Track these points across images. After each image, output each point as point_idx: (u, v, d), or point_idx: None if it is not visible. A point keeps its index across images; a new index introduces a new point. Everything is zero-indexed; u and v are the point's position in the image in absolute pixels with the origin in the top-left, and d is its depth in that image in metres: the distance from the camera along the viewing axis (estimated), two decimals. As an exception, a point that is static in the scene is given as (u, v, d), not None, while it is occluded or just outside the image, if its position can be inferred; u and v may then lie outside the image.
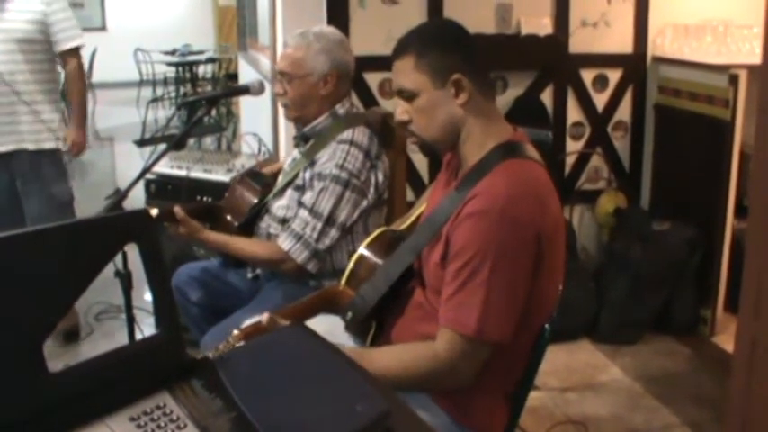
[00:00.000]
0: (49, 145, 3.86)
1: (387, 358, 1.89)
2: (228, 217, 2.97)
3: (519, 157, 1.91)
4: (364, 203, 2.69)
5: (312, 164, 2.71)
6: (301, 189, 2.73)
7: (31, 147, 3.82)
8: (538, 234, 1.81)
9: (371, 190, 2.70)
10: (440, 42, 1.93)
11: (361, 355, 1.88)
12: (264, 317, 1.91)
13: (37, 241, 1.16)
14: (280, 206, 2.80)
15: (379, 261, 2.14)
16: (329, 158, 2.66)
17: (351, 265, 2.19)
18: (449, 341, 1.83)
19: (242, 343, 1.79)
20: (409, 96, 1.94)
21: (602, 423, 3.43)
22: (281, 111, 3.65)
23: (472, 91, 1.91)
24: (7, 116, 3.74)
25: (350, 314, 2.06)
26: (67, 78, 3.99)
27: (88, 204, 4.90)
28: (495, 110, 2.01)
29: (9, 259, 1.13)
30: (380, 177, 2.73)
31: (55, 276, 1.17)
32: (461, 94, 1.91)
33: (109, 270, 2.42)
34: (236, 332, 1.85)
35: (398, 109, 1.99)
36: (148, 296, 1.25)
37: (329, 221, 2.63)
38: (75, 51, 3.91)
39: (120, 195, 2.51)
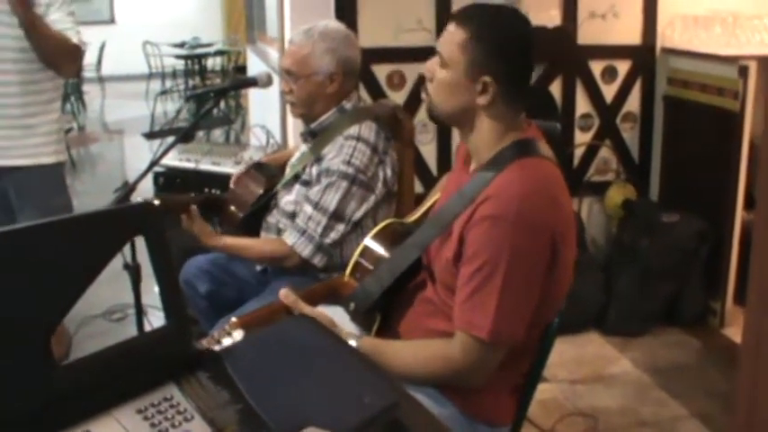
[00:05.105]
0: (45, 160, 3.49)
1: (404, 352, 1.90)
2: (233, 208, 2.96)
3: (532, 155, 1.89)
4: (372, 198, 2.67)
5: (319, 159, 2.70)
6: (308, 185, 2.72)
7: (26, 162, 3.43)
8: (552, 235, 1.81)
9: (379, 185, 2.69)
10: (494, 41, 1.86)
11: (377, 347, 1.89)
12: (283, 292, 1.92)
13: (44, 234, 1.17)
14: (288, 201, 2.79)
15: (385, 253, 2.13)
16: (336, 154, 2.64)
17: (356, 256, 2.18)
18: (464, 344, 1.83)
19: (239, 331, 1.79)
20: (442, 63, 1.91)
21: (611, 415, 3.42)
22: (288, 103, 3.65)
23: (497, 98, 1.87)
24: None
25: (352, 305, 2.05)
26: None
27: (97, 197, 4.91)
28: (516, 119, 1.95)
29: (17, 252, 1.13)
30: (389, 172, 2.72)
31: (62, 269, 1.17)
32: (485, 95, 1.87)
33: (120, 268, 2.45)
34: (234, 319, 1.85)
35: (430, 62, 1.94)
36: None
37: (334, 216, 2.62)
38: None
39: (129, 188, 2.51)
